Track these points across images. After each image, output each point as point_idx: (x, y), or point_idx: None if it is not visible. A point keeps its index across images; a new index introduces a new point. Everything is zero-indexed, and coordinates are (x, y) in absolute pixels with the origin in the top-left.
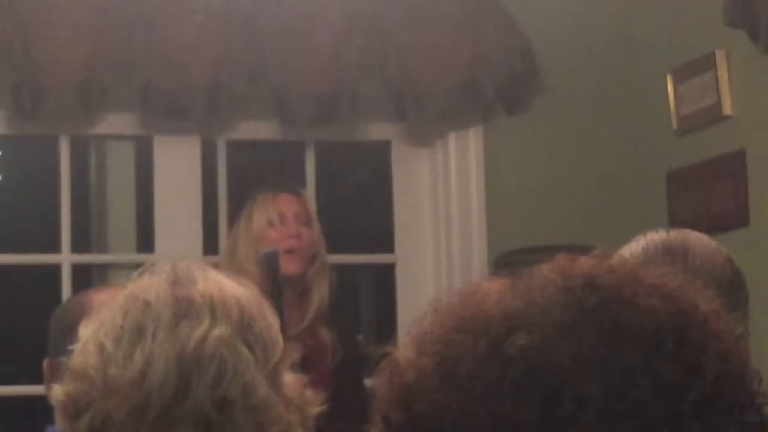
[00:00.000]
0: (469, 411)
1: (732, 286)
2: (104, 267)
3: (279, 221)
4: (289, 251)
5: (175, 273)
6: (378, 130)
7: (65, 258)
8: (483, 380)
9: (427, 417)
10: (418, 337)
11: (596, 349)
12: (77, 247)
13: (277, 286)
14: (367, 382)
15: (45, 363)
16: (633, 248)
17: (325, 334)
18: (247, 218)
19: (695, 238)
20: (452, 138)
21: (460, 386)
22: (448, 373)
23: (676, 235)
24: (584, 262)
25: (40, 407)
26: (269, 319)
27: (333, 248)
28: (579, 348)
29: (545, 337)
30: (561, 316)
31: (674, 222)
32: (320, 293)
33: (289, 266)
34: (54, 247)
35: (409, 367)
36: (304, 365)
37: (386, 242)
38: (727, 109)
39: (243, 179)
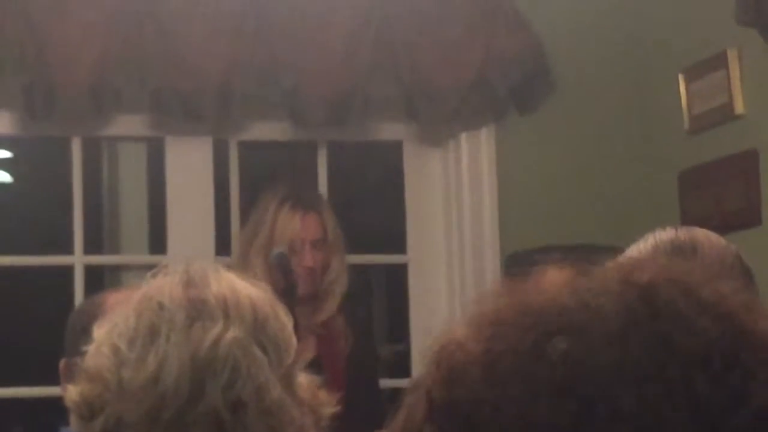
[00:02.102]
0: (503, 407)
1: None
2: (117, 268)
3: (298, 248)
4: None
5: (189, 274)
6: (390, 131)
7: (78, 259)
8: (521, 379)
9: (464, 404)
10: (475, 318)
11: (639, 364)
12: (90, 248)
13: (289, 286)
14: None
15: (61, 364)
16: (642, 247)
17: (338, 322)
18: (268, 230)
19: (704, 235)
20: (464, 138)
21: (498, 381)
22: (490, 365)
23: (685, 232)
24: (648, 268)
25: (56, 408)
26: (282, 320)
27: (345, 248)
28: (622, 360)
29: (589, 343)
30: (609, 325)
31: (686, 221)
32: (334, 300)
33: (300, 288)
34: (66, 248)
35: (458, 348)
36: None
37: (398, 242)
38: (739, 108)
39: (255, 180)
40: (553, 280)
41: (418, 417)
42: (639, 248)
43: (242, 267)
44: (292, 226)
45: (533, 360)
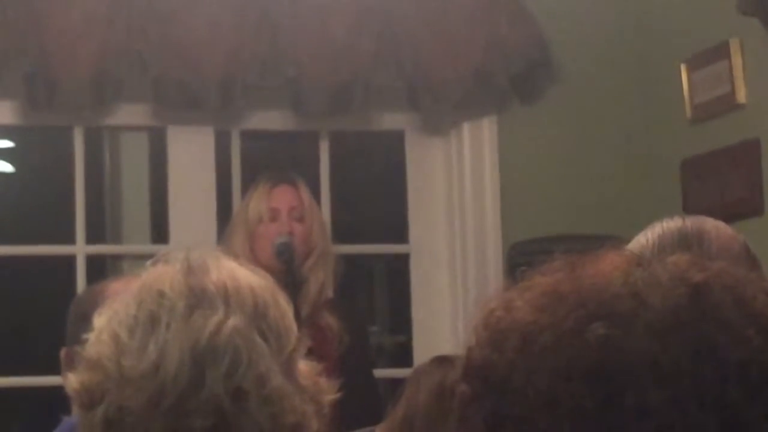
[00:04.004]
0: (534, 380)
1: None
2: (118, 258)
3: (271, 218)
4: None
5: (189, 262)
6: (392, 120)
7: (80, 249)
8: (556, 355)
9: (499, 369)
10: (528, 287)
11: (676, 362)
12: (92, 238)
13: (291, 275)
14: (376, 372)
15: (62, 352)
16: (649, 236)
17: (330, 321)
18: (243, 210)
19: (711, 224)
20: (466, 127)
21: (534, 354)
22: (529, 338)
23: (692, 222)
24: (705, 269)
25: (58, 397)
26: (283, 308)
27: (347, 238)
28: (659, 354)
29: (630, 332)
30: (653, 317)
31: (688, 211)
32: (316, 285)
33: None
34: (68, 238)
35: (506, 313)
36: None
37: (400, 232)
38: (741, 97)
39: (257, 169)
40: (611, 264)
41: (453, 378)
42: (646, 236)
43: (226, 247)
44: (263, 197)
45: (572, 339)
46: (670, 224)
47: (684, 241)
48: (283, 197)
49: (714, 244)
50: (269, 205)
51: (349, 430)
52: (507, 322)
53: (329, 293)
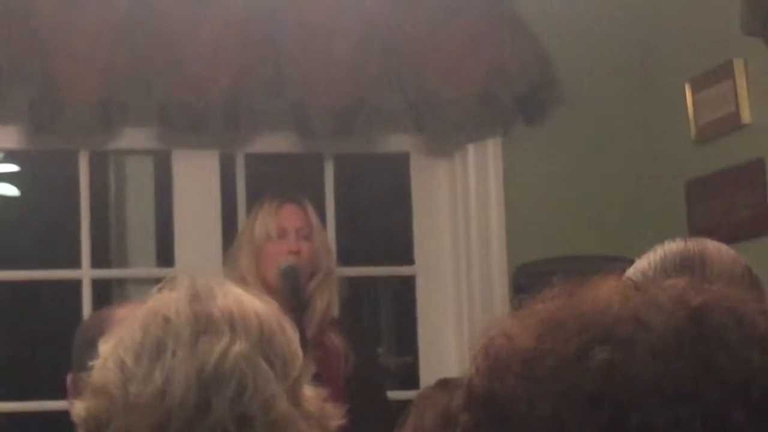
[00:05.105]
0: (537, 406)
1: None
2: (124, 282)
3: (278, 236)
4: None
5: (194, 288)
6: (396, 142)
7: (85, 273)
8: (559, 381)
9: (501, 397)
10: (528, 315)
11: (678, 382)
12: (97, 262)
13: (297, 299)
14: (388, 393)
15: (68, 378)
16: (651, 258)
17: (335, 341)
18: (249, 229)
19: (713, 247)
20: (471, 149)
21: (537, 380)
22: (531, 364)
23: (694, 244)
24: (704, 291)
25: (64, 422)
26: (289, 334)
27: (352, 261)
28: (661, 376)
29: (632, 355)
30: (654, 340)
31: (694, 231)
32: (322, 304)
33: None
34: (74, 262)
35: (506, 341)
36: (315, 376)
37: (405, 254)
38: (746, 117)
39: (262, 193)
40: (609, 289)
41: (456, 405)
42: (648, 259)
43: (231, 268)
44: (270, 215)
45: (574, 364)
46: (672, 247)
47: (686, 264)
48: (290, 216)
49: (716, 267)
50: (277, 224)
51: None
52: (507, 349)
53: (334, 313)
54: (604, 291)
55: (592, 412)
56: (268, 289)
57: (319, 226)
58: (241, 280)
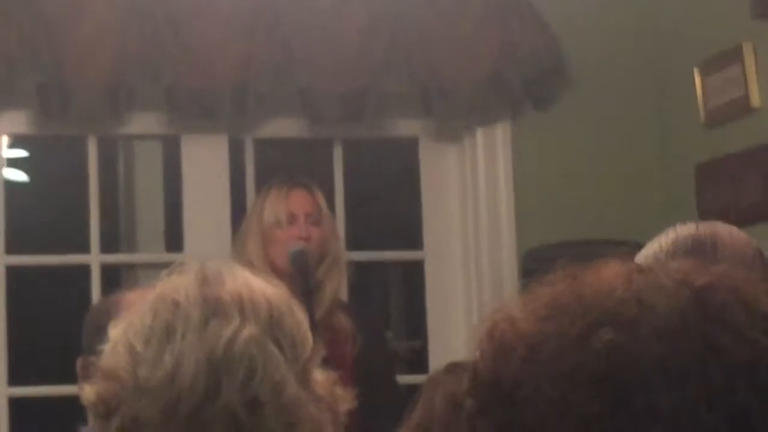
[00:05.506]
0: (542, 389)
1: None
2: (133, 267)
3: (288, 222)
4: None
5: (204, 272)
6: (405, 127)
7: (94, 258)
8: (563, 363)
9: (506, 381)
10: (531, 299)
11: (682, 363)
12: (106, 247)
13: (306, 283)
14: (397, 378)
15: (78, 362)
16: (663, 241)
17: (343, 322)
18: (258, 213)
19: (725, 230)
20: (480, 133)
21: (541, 362)
22: (535, 347)
23: (706, 227)
24: (708, 273)
25: (74, 407)
26: (298, 317)
27: (361, 245)
28: (666, 357)
29: (636, 337)
30: (658, 321)
31: (703, 215)
32: (331, 288)
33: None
34: (83, 247)
35: (510, 326)
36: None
37: (415, 239)
38: (755, 101)
39: (271, 177)
40: (612, 272)
41: (461, 390)
42: (660, 242)
43: (239, 252)
44: (280, 201)
45: (578, 346)
46: (684, 230)
47: (697, 247)
48: (299, 201)
49: (727, 250)
50: (287, 209)
51: None
52: (511, 333)
53: (343, 297)
54: (608, 274)
55: (596, 394)
56: (276, 274)
57: (327, 211)
58: (249, 265)
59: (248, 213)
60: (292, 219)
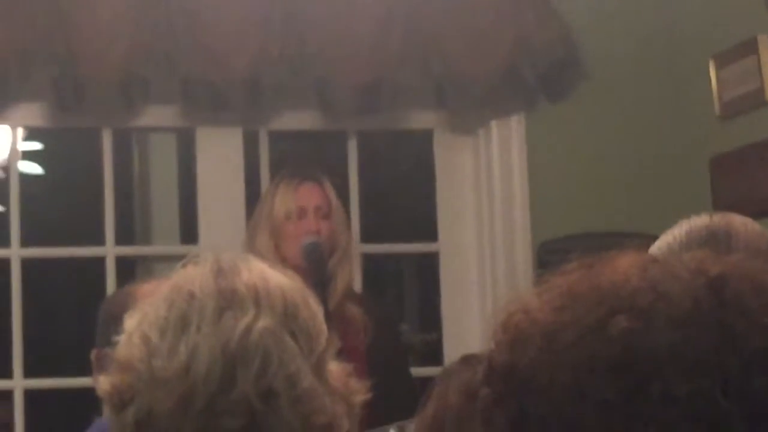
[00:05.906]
0: (558, 377)
1: None
2: (148, 259)
3: (298, 216)
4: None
5: (219, 264)
6: (420, 119)
7: (109, 251)
8: (579, 351)
9: (522, 370)
10: (546, 289)
11: (698, 350)
12: (121, 239)
13: (320, 275)
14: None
15: (93, 354)
16: (676, 233)
17: (355, 312)
18: (268, 207)
19: (739, 221)
20: (494, 126)
21: (557, 351)
22: (551, 336)
23: (720, 219)
24: (722, 261)
25: (89, 398)
26: (313, 309)
27: (376, 238)
28: (681, 344)
29: (651, 324)
30: (673, 309)
31: (718, 207)
32: (343, 280)
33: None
34: (98, 239)
35: (525, 316)
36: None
37: (429, 231)
38: None
39: (285, 169)
40: (627, 262)
41: (476, 380)
42: (674, 234)
43: (249, 246)
44: (289, 195)
45: (594, 335)
46: (698, 221)
47: (712, 238)
48: (309, 195)
49: (741, 241)
50: (297, 203)
51: (377, 424)
52: (527, 323)
53: (355, 288)
54: (623, 263)
55: (612, 381)
56: (287, 267)
57: (337, 203)
58: (260, 258)
59: (258, 206)
60: (301, 213)
